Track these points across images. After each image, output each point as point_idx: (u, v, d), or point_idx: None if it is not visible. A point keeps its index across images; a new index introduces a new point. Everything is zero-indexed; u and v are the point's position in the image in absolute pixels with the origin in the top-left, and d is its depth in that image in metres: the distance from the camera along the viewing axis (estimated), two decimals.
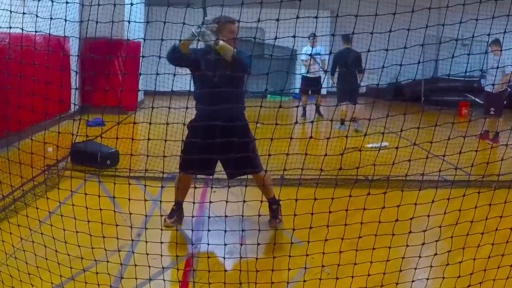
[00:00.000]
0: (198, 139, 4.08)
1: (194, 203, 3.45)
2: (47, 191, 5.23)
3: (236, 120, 4.33)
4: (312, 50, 11.70)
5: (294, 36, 2.84)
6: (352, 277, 3.13)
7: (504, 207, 3.25)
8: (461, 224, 3.22)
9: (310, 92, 12.41)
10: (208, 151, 4.08)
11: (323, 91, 14.10)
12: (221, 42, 4.13)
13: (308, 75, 11.68)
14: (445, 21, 2.99)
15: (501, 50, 8.95)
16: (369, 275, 3.14)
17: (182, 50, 4.25)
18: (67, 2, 3.09)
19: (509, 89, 9.63)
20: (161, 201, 3.57)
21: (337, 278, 3.10)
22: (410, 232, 3.06)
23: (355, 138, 7.62)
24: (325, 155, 3.02)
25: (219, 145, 3.99)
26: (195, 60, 4.42)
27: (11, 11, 3.79)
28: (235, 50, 4.18)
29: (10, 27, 3.90)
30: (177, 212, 4.78)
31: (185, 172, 4.66)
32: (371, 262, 3.09)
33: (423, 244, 3.14)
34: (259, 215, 3.22)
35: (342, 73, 10.63)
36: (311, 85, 11.98)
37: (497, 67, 9.19)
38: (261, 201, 3.34)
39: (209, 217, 3.64)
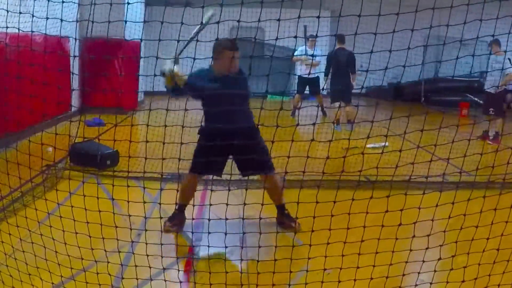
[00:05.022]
0: (212, 142, 4.27)
1: (194, 205, 3.43)
2: (46, 192, 5.19)
3: (247, 124, 4.50)
4: (307, 51, 11.71)
5: (295, 37, 2.82)
6: (355, 280, 3.11)
7: (510, 211, 3.21)
8: (465, 229, 3.18)
9: (309, 93, 12.42)
10: (221, 152, 4.34)
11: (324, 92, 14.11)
12: (175, 69, 4.18)
13: (303, 76, 11.69)
14: (448, 22, 2.96)
15: (503, 51, 8.92)
16: (371, 278, 3.11)
17: (168, 86, 4.32)
18: (62, 2, 3.05)
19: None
20: (160, 203, 3.53)
21: (339, 281, 3.08)
22: (414, 236, 3.02)
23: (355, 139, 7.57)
24: (327, 158, 3.00)
25: (232, 146, 4.22)
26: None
27: (8, 11, 3.75)
28: (186, 76, 4.25)
29: (7, 27, 3.87)
30: (178, 216, 4.72)
31: (196, 173, 4.66)
32: (373, 266, 3.06)
33: (427, 248, 3.11)
34: (260, 217, 3.20)
35: (335, 73, 10.64)
36: (307, 85, 12.00)
37: (500, 68, 9.15)
38: (262, 204, 3.31)
39: (209, 219, 3.61)
